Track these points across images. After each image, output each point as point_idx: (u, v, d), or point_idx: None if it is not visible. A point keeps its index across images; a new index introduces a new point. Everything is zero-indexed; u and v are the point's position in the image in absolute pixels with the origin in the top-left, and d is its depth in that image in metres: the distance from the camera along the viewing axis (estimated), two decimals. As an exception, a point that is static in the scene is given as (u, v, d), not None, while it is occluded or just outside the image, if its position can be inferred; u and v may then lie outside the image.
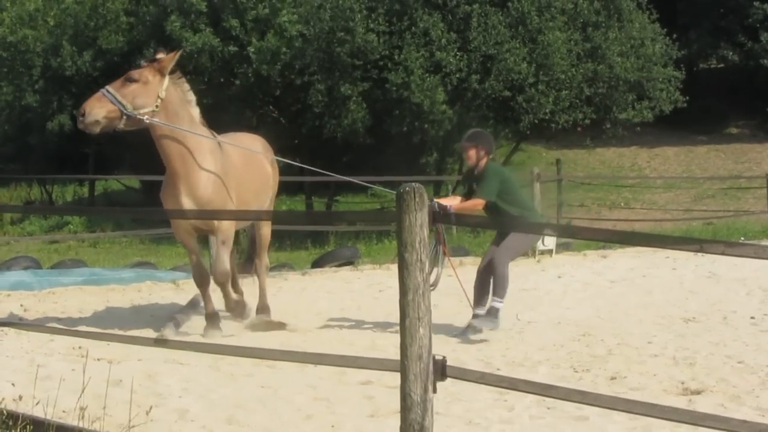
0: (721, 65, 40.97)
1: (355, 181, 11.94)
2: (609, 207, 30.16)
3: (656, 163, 35.87)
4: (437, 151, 29.69)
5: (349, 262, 15.16)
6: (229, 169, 9.19)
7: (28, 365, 7.40)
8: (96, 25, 32.78)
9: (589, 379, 7.54)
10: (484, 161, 9.71)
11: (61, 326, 9.04)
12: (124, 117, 8.63)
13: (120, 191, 37.42)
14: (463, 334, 9.24)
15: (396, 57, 25.95)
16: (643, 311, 10.64)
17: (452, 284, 9.64)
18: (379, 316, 10.18)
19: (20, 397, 5.95)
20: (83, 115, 8.61)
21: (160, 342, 7.50)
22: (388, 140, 28.39)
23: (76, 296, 11.89)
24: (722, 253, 4.70)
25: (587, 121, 28.24)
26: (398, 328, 4.94)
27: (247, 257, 10.71)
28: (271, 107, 31.82)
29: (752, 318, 10.08)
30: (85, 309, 10.82)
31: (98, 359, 7.56)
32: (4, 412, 5.58)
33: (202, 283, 9.26)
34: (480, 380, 5.26)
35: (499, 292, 9.38)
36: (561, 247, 15.78)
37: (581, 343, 8.98)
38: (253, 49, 28.32)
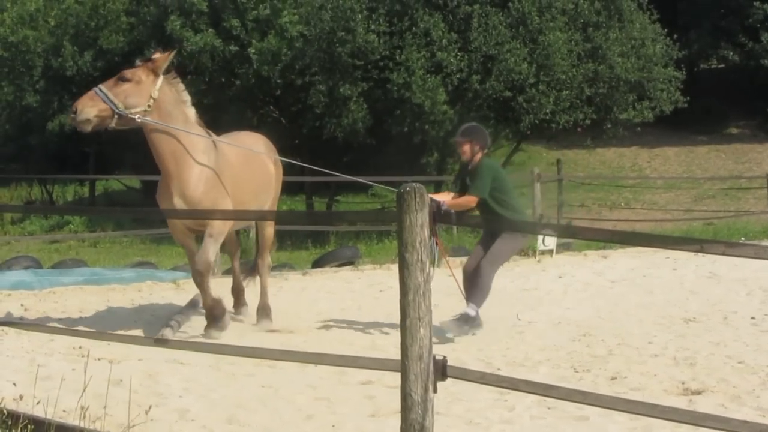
0: (722, 65, 40.98)
1: (358, 180, 11.90)
2: (609, 207, 30.16)
3: (657, 163, 35.87)
4: (438, 151, 29.69)
5: (350, 262, 15.16)
6: (225, 168, 9.14)
7: (28, 365, 7.40)
8: (97, 25, 32.80)
9: (589, 379, 7.54)
10: (478, 156, 9.65)
11: (61, 326, 9.04)
12: (116, 116, 8.64)
13: (120, 191, 37.43)
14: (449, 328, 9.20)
15: (397, 57, 25.96)
16: (644, 311, 10.64)
17: (453, 284, 9.64)
18: (379, 316, 10.18)
19: (21, 397, 5.95)
20: (75, 113, 8.64)
21: (161, 342, 7.49)
22: (388, 140, 28.40)
23: (76, 296, 11.88)
24: (723, 254, 4.69)
25: (588, 122, 28.25)
26: (399, 328, 4.94)
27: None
28: (271, 107, 31.83)
29: (753, 318, 10.08)
30: (86, 309, 10.82)
31: (99, 359, 7.56)
32: (5, 411, 5.58)
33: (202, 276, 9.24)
34: (480, 380, 5.26)
35: (478, 300, 9.32)
36: (561, 248, 15.79)
37: (582, 343, 8.98)
38: (253, 50, 28.33)
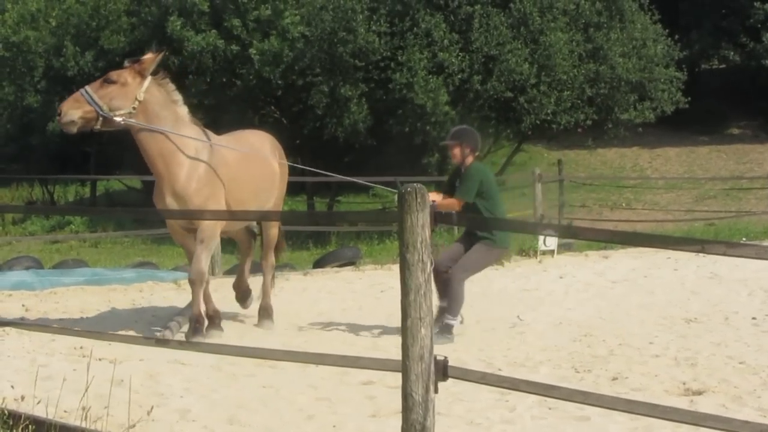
0: (723, 66, 40.96)
1: (356, 180, 11.89)
2: (610, 207, 30.15)
3: (658, 163, 35.86)
4: (439, 151, 29.71)
5: (351, 263, 15.16)
6: (220, 166, 9.10)
7: (29, 365, 7.40)
8: (98, 26, 32.81)
9: (590, 379, 7.54)
10: (469, 159, 9.53)
11: (62, 326, 9.04)
12: (101, 118, 8.68)
13: (121, 191, 37.42)
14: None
15: (399, 58, 25.97)
16: (645, 312, 10.64)
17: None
18: (380, 316, 10.17)
19: (22, 397, 5.95)
20: (60, 114, 8.69)
21: (162, 342, 7.50)
22: (389, 141, 28.41)
23: (77, 296, 11.89)
24: (724, 254, 4.69)
25: (589, 122, 28.26)
26: (399, 328, 4.94)
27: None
28: (272, 108, 31.84)
29: (754, 318, 10.08)
30: (87, 309, 10.82)
31: (100, 359, 7.55)
32: (6, 411, 5.58)
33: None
34: (481, 380, 5.26)
35: (453, 310, 9.19)
36: (562, 248, 15.79)
37: (583, 343, 8.98)
38: (255, 51, 28.34)
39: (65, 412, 5.91)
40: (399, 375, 4.91)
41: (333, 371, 7.37)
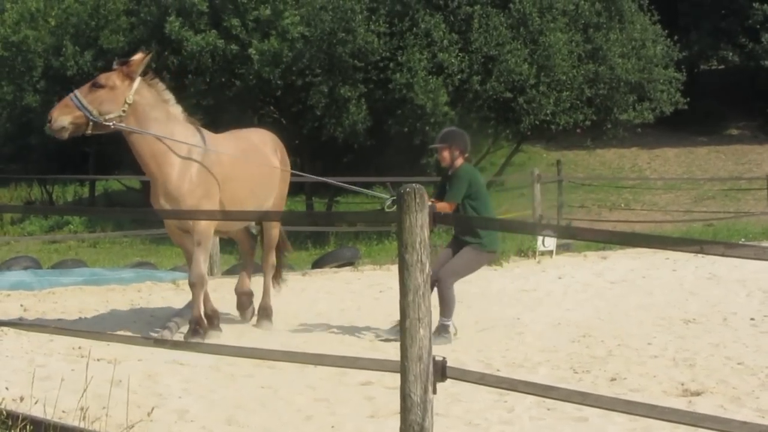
0: (722, 66, 40.97)
1: (350, 188, 11.81)
2: (609, 208, 30.16)
3: (657, 164, 35.87)
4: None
5: (350, 263, 15.15)
6: (213, 166, 9.06)
7: (27, 365, 7.40)
8: (97, 25, 32.80)
9: (589, 380, 7.54)
10: (459, 161, 9.41)
11: (61, 326, 9.03)
12: (91, 123, 8.67)
13: (120, 191, 37.42)
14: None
15: (399, 58, 25.98)
16: (643, 312, 10.64)
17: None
18: (379, 316, 10.17)
19: (20, 398, 5.95)
20: (50, 121, 8.68)
21: (160, 342, 7.49)
22: (388, 141, 28.42)
23: (76, 296, 11.88)
24: (722, 255, 4.69)
25: (588, 122, 28.28)
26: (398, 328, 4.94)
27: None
28: (271, 108, 31.83)
29: (752, 319, 10.08)
30: (85, 309, 10.81)
31: (98, 359, 7.55)
32: (4, 412, 5.58)
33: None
34: (480, 381, 5.26)
35: (446, 312, 9.13)
36: (561, 248, 15.78)
37: (581, 344, 8.98)
38: (254, 51, 28.33)
39: (64, 412, 5.91)
40: (398, 376, 4.91)
41: (331, 372, 7.37)
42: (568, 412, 6.36)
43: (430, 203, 8.61)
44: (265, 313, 10.02)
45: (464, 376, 5.22)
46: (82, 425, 5.56)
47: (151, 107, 8.89)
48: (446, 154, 9.42)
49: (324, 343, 8.92)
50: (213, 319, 9.40)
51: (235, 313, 10.30)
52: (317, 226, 21.86)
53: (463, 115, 27.15)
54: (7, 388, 6.57)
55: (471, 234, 9.26)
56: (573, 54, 27.31)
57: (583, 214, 27.04)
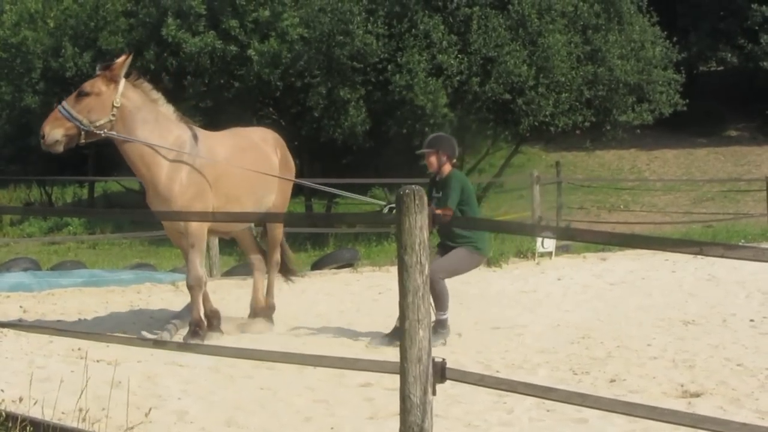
0: (721, 68, 40.98)
1: (345, 194, 11.77)
2: (608, 209, 30.16)
3: (656, 165, 35.87)
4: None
5: (349, 264, 15.15)
6: (206, 166, 9.03)
7: (27, 366, 7.40)
8: (96, 26, 32.80)
9: (588, 381, 7.54)
10: (447, 167, 9.30)
11: (60, 328, 9.03)
12: (83, 132, 8.66)
13: (119, 193, 37.41)
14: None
15: (398, 59, 25.98)
16: (643, 314, 10.64)
17: (451, 286, 9.62)
18: (378, 318, 10.17)
19: (20, 399, 5.95)
20: (43, 137, 8.68)
21: (160, 344, 7.49)
22: (387, 142, 28.42)
23: (75, 298, 11.88)
24: (722, 256, 4.69)
25: (587, 124, 28.29)
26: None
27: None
28: (270, 109, 31.83)
29: (751, 321, 10.08)
30: (85, 310, 10.82)
31: (98, 361, 7.56)
32: (3, 413, 5.57)
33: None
34: (479, 382, 5.26)
35: (441, 306, 9.02)
36: (560, 250, 15.78)
37: (581, 345, 8.98)
38: (254, 52, 28.32)
39: (63, 413, 5.91)
40: (397, 377, 4.91)
41: (331, 373, 7.37)
42: (567, 413, 6.36)
43: (429, 205, 8.66)
44: (268, 310, 9.97)
45: (464, 377, 5.22)
46: (81, 426, 5.56)
47: (138, 108, 8.87)
48: (433, 159, 9.31)
49: (323, 345, 8.93)
50: (213, 319, 9.40)
51: (236, 313, 10.29)
52: (316, 228, 21.85)
53: (462, 116, 27.16)
54: (2, 390, 6.57)
55: (462, 237, 9.19)
56: (572, 55, 27.32)
57: (582, 215, 27.05)
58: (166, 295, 12.24)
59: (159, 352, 7.58)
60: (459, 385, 5.55)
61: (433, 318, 8.82)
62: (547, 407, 6.50)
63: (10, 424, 5.49)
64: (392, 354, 6.40)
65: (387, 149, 28.77)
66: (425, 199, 4.88)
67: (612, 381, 7.53)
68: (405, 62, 25.74)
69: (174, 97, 9.41)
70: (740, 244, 14.81)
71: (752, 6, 35.40)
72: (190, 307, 9.54)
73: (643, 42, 28.56)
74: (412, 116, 26.13)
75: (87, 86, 8.82)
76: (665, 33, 29.86)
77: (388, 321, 9.23)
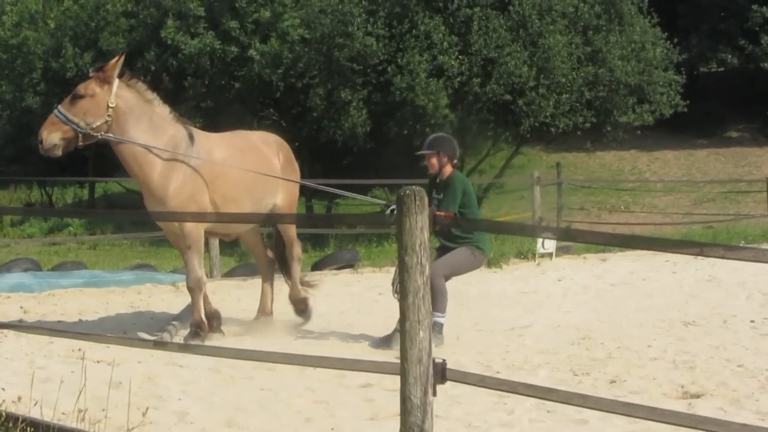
0: (721, 69, 40.99)
1: (346, 194, 11.76)
2: (609, 210, 30.17)
3: (656, 166, 35.88)
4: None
5: (349, 265, 15.14)
6: (202, 166, 9.00)
7: (27, 367, 7.39)
8: (97, 26, 32.82)
9: (588, 382, 7.53)
10: (448, 168, 9.15)
11: (60, 328, 9.03)
12: (80, 135, 8.66)
13: (120, 193, 37.42)
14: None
15: (399, 60, 25.99)
16: (643, 314, 10.63)
17: (452, 287, 9.61)
18: (378, 319, 10.16)
19: (19, 399, 5.95)
20: (41, 142, 8.69)
21: (160, 344, 7.49)
22: (388, 143, 28.43)
23: (75, 298, 11.88)
24: (722, 257, 4.69)
25: (587, 125, 28.29)
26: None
27: (277, 257, 10.34)
28: (271, 110, 31.83)
29: (752, 322, 10.07)
30: (85, 311, 10.82)
31: (98, 361, 7.56)
32: (3, 414, 5.57)
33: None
34: (480, 383, 5.26)
35: (439, 306, 8.69)
36: (561, 251, 15.78)
37: (581, 346, 8.97)
38: (255, 52, 28.33)
39: (63, 414, 5.90)
40: (397, 378, 4.91)
41: (331, 374, 7.37)
42: (568, 414, 6.36)
43: (430, 206, 8.59)
44: (302, 304, 9.94)
45: (464, 378, 5.22)
46: (81, 427, 5.56)
47: (131, 108, 8.85)
48: (434, 160, 9.17)
49: (324, 345, 8.92)
50: (213, 320, 9.38)
51: (234, 314, 10.29)
52: (317, 228, 21.85)
53: (463, 117, 27.18)
54: (4, 389, 6.57)
55: (461, 239, 9.09)
56: (572, 56, 27.33)
57: (582, 216, 27.04)
58: (166, 295, 12.23)
59: (159, 352, 7.58)
60: (459, 385, 5.55)
61: None
62: (548, 408, 6.50)
63: (10, 425, 5.49)
64: (393, 355, 6.40)
65: (387, 150, 28.78)
66: (426, 199, 4.88)
67: (612, 382, 7.52)
68: (405, 63, 25.75)
69: (175, 97, 9.39)
70: (741, 245, 14.82)
71: (753, 7, 35.40)
72: (190, 308, 9.53)
73: (643, 43, 28.57)
74: (413, 117, 26.14)
75: (81, 89, 8.81)
76: (666, 34, 29.88)
77: (389, 322, 9.23)
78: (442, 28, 26.33)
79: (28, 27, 33.68)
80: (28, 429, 5.46)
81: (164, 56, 29.45)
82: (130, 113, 8.83)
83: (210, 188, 9.04)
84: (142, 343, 7.69)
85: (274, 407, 6.72)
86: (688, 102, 29.55)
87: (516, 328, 9.95)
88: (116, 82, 8.81)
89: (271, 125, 30.22)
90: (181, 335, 9.19)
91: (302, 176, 10.64)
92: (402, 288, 4.87)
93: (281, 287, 10.59)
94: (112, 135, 8.78)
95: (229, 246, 14.68)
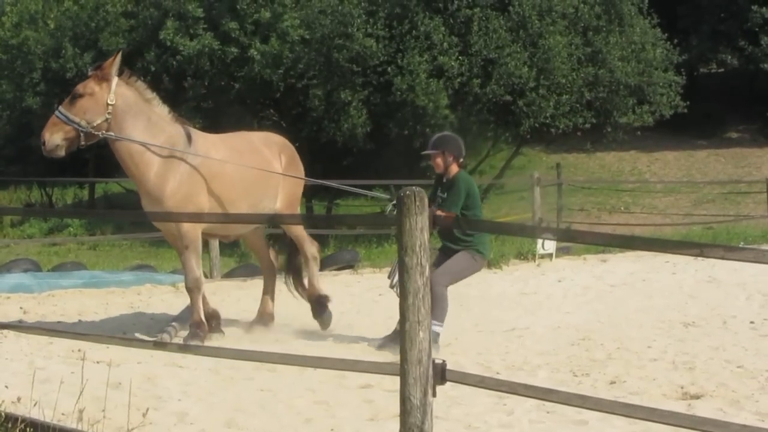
0: (721, 69, 40.98)
1: (352, 189, 11.79)
2: (609, 211, 30.16)
3: (656, 167, 35.87)
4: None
5: (349, 266, 15.15)
6: (200, 166, 8.99)
7: (27, 368, 7.40)
8: (97, 27, 32.80)
9: (588, 383, 7.54)
10: (454, 168, 8.98)
11: (60, 329, 9.03)
12: (82, 134, 8.67)
13: (120, 194, 37.41)
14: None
15: (399, 61, 25.98)
16: (643, 315, 10.64)
17: (452, 288, 9.60)
18: (378, 319, 10.16)
19: (19, 399, 5.95)
20: (44, 143, 8.71)
21: (160, 345, 7.48)
22: (388, 144, 28.42)
23: (75, 299, 11.88)
24: (722, 258, 4.69)
25: (587, 126, 28.29)
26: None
27: (288, 261, 10.32)
28: (271, 110, 31.82)
29: (752, 323, 10.08)
30: (85, 312, 10.82)
31: (97, 362, 7.56)
32: (3, 414, 5.57)
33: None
34: (479, 384, 5.26)
35: (438, 314, 8.43)
36: (561, 251, 15.79)
37: (581, 347, 8.98)
38: (256, 52, 28.31)
39: (63, 414, 5.90)
40: (397, 378, 4.91)
41: (331, 375, 7.37)
42: (567, 415, 6.36)
43: (430, 206, 8.52)
44: (320, 302, 9.86)
45: (464, 379, 5.22)
46: (81, 427, 5.56)
47: (129, 107, 8.84)
48: (439, 160, 8.99)
49: (323, 346, 8.92)
50: (212, 320, 9.37)
51: (234, 315, 10.29)
52: (317, 229, 21.83)
53: (463, 118, 27.17)
54: (7, 386, 6.58)
55: (463, 241, 8.93)
56: (573, 57, 27.32)
57: (582, 217, 27.04)
58: (166, 296, 12.24)
59: (159, 353, 7.58)
60: (459, 386, 5.55)
61: None
62: (548, 409, 6.50)
63: (9, 425, 5.49)
64: (392, 355, 6.40)
65: (387, 151, 28.77)
66: (426, 200, 4.87)
67: (612, 383, 7.53)
68: (406, 63, 25.74)
69: (175, 98, 9.37)
70: (740, 246, 14.83)
71: (752, 8, 35.39)
72: (189, 309, 9.53)
73: (643, 44, 28.58)
74: (413, 118, 26.13)
75: (80, 88, 8.82)
76: (666, 35, 29.88)
77: (389, 323, 9.24)
78: (442, 28, 26.32)
79: (28, 27, 33.64)
80: (28, 429, 5.46)
81: (164, 57, 29.43)
82: (128, 111, 8.83)
83: (208, 189, 9.03)
84: (142, 344, 7.69)
85: (274, 408, 6.72)
86: (688, 103, 29.55)
87: (516, 329, 9.95)
88: (115, 79, 8.81)
89: (271, 126, 30.20)
90: (181, 336, 9.19)
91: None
92: (402, 289, 4.86)
93: (281, 288, 10.59)
94: (113, 134, 8.79)
95: (229, 247, 14.67)
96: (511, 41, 26.50)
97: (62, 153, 8.80)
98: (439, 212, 8.61)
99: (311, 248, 10.16)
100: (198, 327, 8.97)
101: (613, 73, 27.48)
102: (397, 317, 5.05)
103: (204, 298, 9.32)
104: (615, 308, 11.21)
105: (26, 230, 32.68)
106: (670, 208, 30.22)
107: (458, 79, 26.06)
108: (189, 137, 9.08)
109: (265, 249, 10.24)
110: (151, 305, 11.47)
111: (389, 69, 26.18)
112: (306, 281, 10.17)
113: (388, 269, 13.74)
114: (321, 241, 24.54)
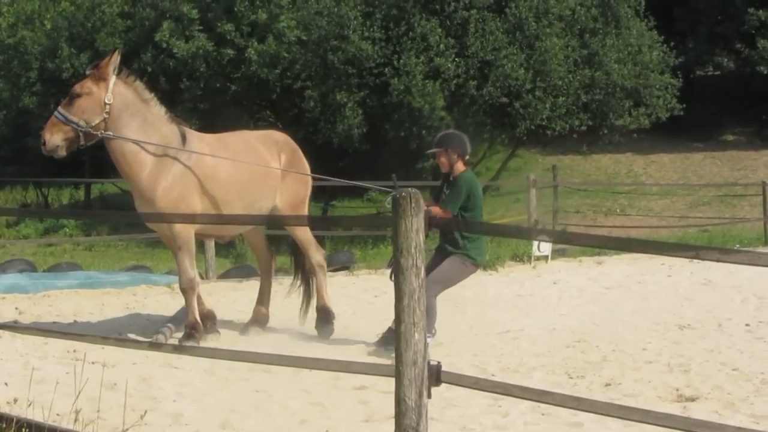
0: (718, 72, 41.04)
1: (357, 184, 11.78)
2: (605, 213, 30.18)
3: (652, 169, 35.91)
4: (434, 156, 29.76)
5: (345, 267, 15.15)
6: (195, 167, 8.97)
7: (22, 368, 7.39)
8: (93, 27, 32.77)
9: (583, 385, 7.54)
10: (459, 166, 8.76)
11: (56, 329, 9.02)
12: (81, 134, 8.67)
13: (116, 194, 37.37)
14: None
15: (395, 62, 25.99)
16: (639, 318, 10.65)
17: (448, 290, 9.59)
18: (374, 321, 10.16)
19: (14, 400, 5.94)
20: (44, 144, 8.71)
21: (155, 346, 7.48)
22: (384, 145, 28.42)
23: (71, 299, 11.86)
24: (717, 260, 4.70)
25: (584, 128, 28.32)
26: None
27: (297, 267, 10.28)
28: (267, 112, 31.80)
29: (747, 325, 10.09)
30: (80, 312, 10.80)
31: (93, 362, 7.54)
32: (-2, 415, 5.58)
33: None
34: (474, 386, 5.26)
35: (427, 325, 8.43)
36: (557, 254, 15.81)
37: (576, 349, 8.98)
38: (253, 52, 28.30)
39: (58, 415, 5.90)
40: (392, 380, 4.91)
41: (326, 376, 7.37)
42: (562, 417, 6.37)
43: (426, 207, 8.43)
44: (325, 314, 9.79)
45: (459, 380, 5.22)
46: (76, 428, 5.55)
47: (126, 106, 8.82)
48: (443, 159, 8.79)
49: (319, 347, 8.91)
50: (207, 321, 9.35)
51: (232, 315, 10.28)
52: (312, 230, 21.80)
53: (459, 119, 27.17)
54: (5, 383, 6.57)
55: (457, 245, 8.73)
56: (569, 59, 27.35)
57: (578, 219, 27.05)
58: (162, 297, 12.22)
59: (154, 354, 7.57)
60: (454, 388, 5.55)
61: None
62: (543, 411, 6.50)
63: (4, 426, 5.49)
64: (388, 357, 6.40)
65: (384, 152, 28.77)
66: (421, 202, 4.87)
67: (607, 385, 7.53)
68: (402, 65, 25.75)
69: (171, 99, 9.35)
70: (736, 248, 14.84)
71: (749, 10, 35.45)
72: (185, 310, 9.51)
73: (640, 46, 28.61)
74: (409, 119, 26.14)
75: (77, 88, 8.81)
76: (662, 37, 29.92)
77: (384, 324, 9.23)
78: (439, 30, 26.33)
79: (24, 27, 33.59)
80: (23, 430, 5.45)
81: (161, 58, 29.42)
82: (125, 110, 8.82)
83: (203, 190, 9.01)
84: (137, 345, 7.67)
85: (269, 409, 6.72)
86: (684, 105, 29.59)
87: (511, 330, 9.96)
88: (113, 79, 8.80)
89: (267, 127, 30.18)
90: (176, 337, 9.18)
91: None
92: (397, 290, 4.86)
93: (277, 289, 10.58)
94: (111, 133, 8.78)
95: (225, 248, 14.67)
96: (507, 43, 26.51)
97: (63, 153, 8.80)
98: (435, 209, 8.49)
99: (317, 255, 10.04)
100: (193, 328, 8.96)
101: (609, 75, 27.51)
102: (393, 318, 5.05)
103: (199, 299, 9.30)
104: (610, 310, 11.21)
105: (22, 231, 32.64)
106: (666, 211, 30.25)
107: (455, 81, 26.06)
108: (184, 137, 9.05)
109: (265, 248, 10.20)
110: (146, 306, 11.46)
111: (386, 71, 26.19)
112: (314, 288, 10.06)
113: (384, 271, 13.81)
114: (317, 242, 24.64)
